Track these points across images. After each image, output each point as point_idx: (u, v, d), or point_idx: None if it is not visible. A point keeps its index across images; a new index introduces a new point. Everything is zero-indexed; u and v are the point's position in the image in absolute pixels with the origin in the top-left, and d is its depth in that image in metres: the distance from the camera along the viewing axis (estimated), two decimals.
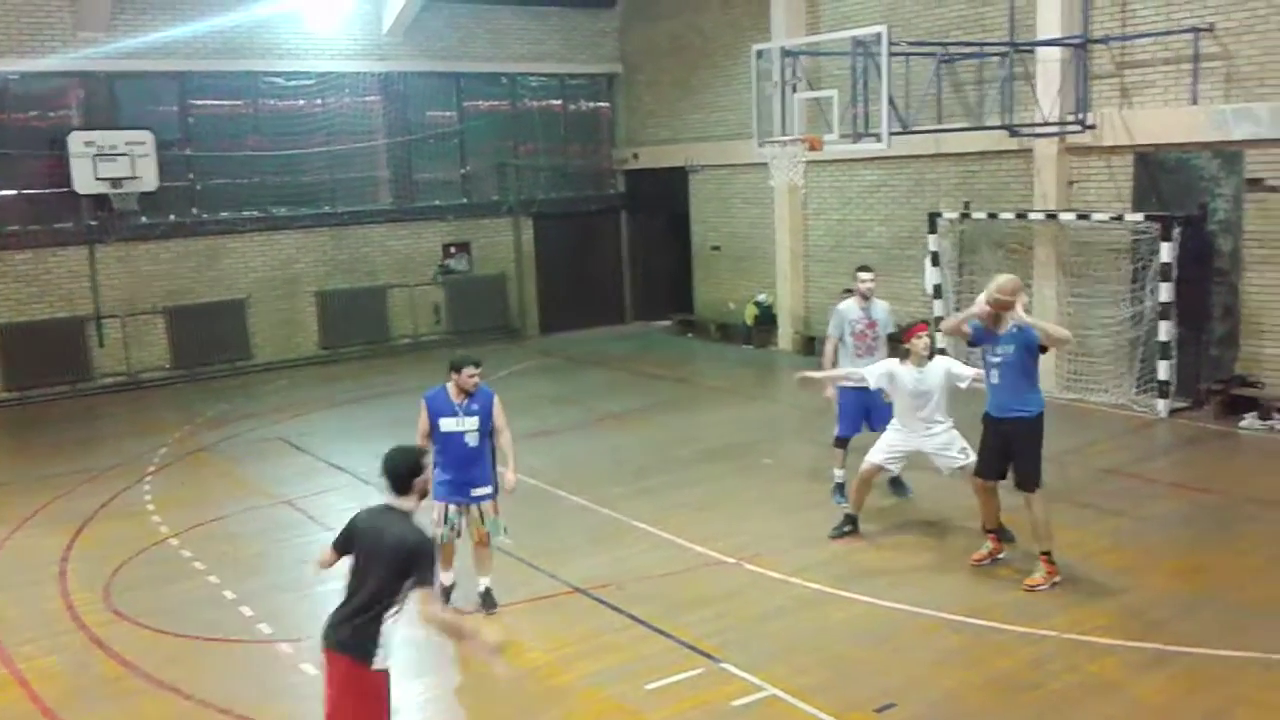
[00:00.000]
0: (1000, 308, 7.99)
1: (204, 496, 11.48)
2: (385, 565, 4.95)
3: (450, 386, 7.93)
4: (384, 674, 5.04)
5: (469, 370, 7.84)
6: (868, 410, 9.89)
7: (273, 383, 17.88)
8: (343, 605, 5.07)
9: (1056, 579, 8.03)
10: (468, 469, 7.90)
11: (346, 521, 5.37)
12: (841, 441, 10.11)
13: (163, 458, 13.18)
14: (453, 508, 7.93)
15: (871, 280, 10.41)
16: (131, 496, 11.59)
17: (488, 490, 7.99)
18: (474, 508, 7.96)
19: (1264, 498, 9.97)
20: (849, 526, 9.30)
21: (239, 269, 18.85)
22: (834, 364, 10.22)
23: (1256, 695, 6.36)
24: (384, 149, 20.25)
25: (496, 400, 8.05)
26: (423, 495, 5.33)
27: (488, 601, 8.08)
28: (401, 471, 5.20)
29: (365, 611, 4.94)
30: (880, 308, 10.40)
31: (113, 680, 7.29)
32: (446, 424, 7.84)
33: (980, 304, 8.10)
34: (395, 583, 4.91)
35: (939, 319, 15.34)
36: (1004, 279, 8.09)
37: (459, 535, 8.05)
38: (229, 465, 12.78)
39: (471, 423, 7.86)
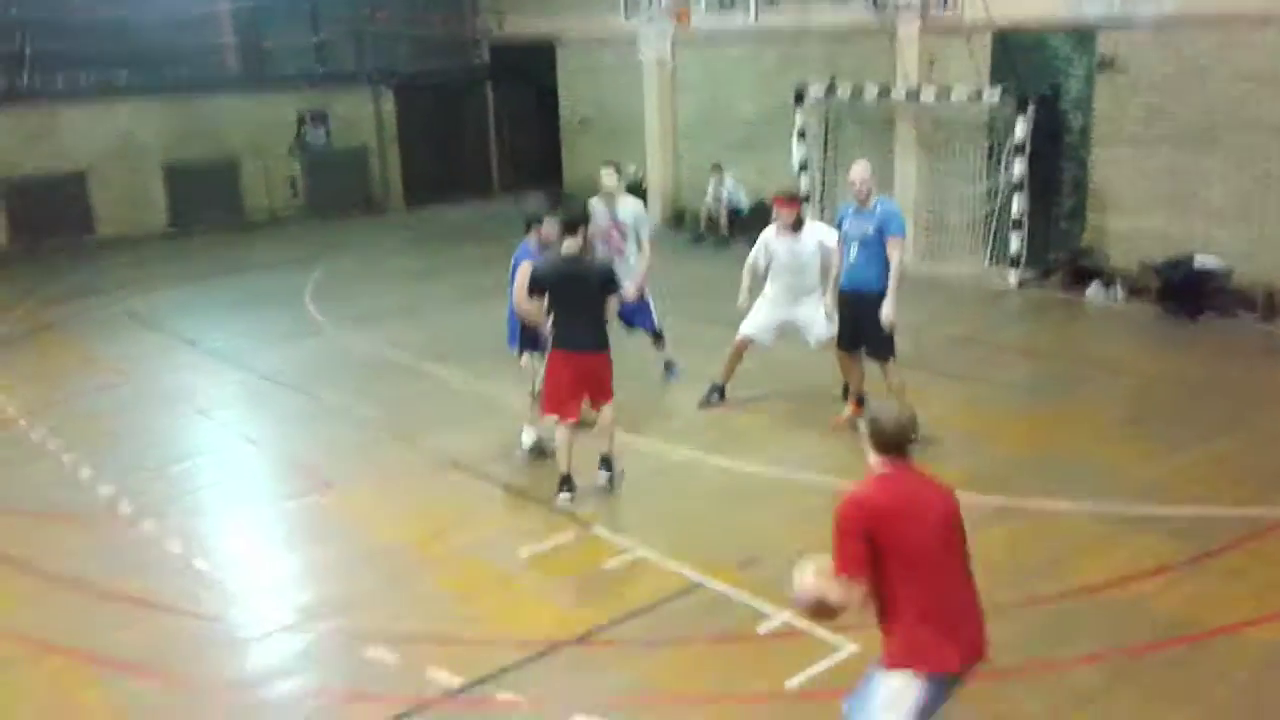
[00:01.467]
0: None
1: (52, 375, 11.01)
2: (593, 290, 7.35)
3: (532, 241, 8.03)
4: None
5: (550, 221, 7.89)
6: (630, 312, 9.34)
7: (117, 259, 17.04)
8: (577, 323, 7.34)
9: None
10: None
11: (533, 276, 7.35)
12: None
13: (3, 336, 12.52)
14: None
15: (613, 177, 9.60)
16: None
17: None
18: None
19: (1105, 363, 10.56)
20: (716, 395, 9.49)
21: (78, 140, 17.77)
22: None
23: (1093, 545, 6.81)
24: (228, 13, 19.14)
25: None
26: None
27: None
28: (575, 218, 7.53)
29: (599, 323, 7.39)
30: (627, 209, 9.61)
31: None
32: None
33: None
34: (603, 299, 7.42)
35: (805, 195, 15.55)
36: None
37: None
38: (76, 342, 12.24)
39: None
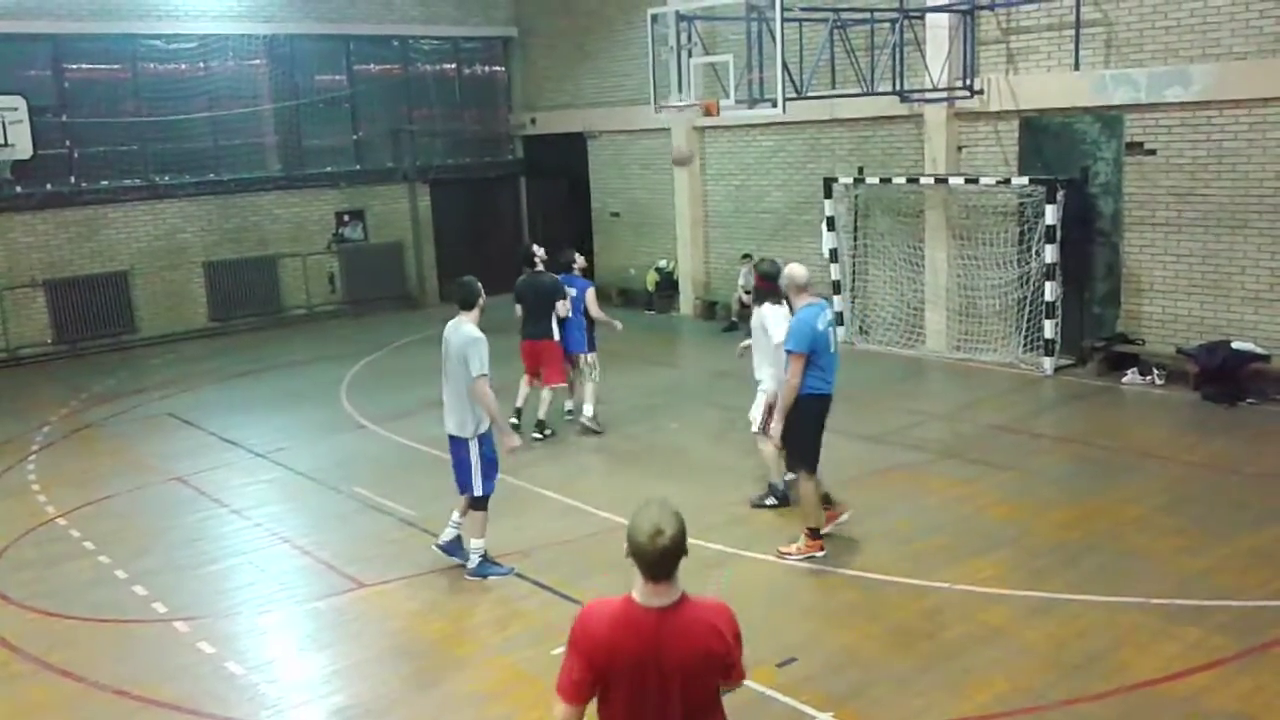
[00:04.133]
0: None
1: (92, 475, 11.12)
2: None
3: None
4: None
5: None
6: None
7: (160, 357, 17.35)
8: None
9: (818, 553, 7.98)
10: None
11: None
12: None
13: (46, 436, 12.71)
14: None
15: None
16: (15, 476, 11.16)
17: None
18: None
19: (1144, 450, 10.41)
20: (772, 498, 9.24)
21: (121, 240, 18.19)
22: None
23: (1137, 637, 6.65)
24: (271, 114, 19.69)
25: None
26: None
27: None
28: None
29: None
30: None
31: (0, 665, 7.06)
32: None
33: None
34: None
35: (835, 283, 15.64)
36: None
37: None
38: (117, 442, 12.39)
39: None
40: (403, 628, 7.36)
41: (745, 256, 17.21)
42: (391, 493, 10.00)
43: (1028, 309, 13.70)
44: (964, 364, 14.14)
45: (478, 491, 7.96)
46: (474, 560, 8.08)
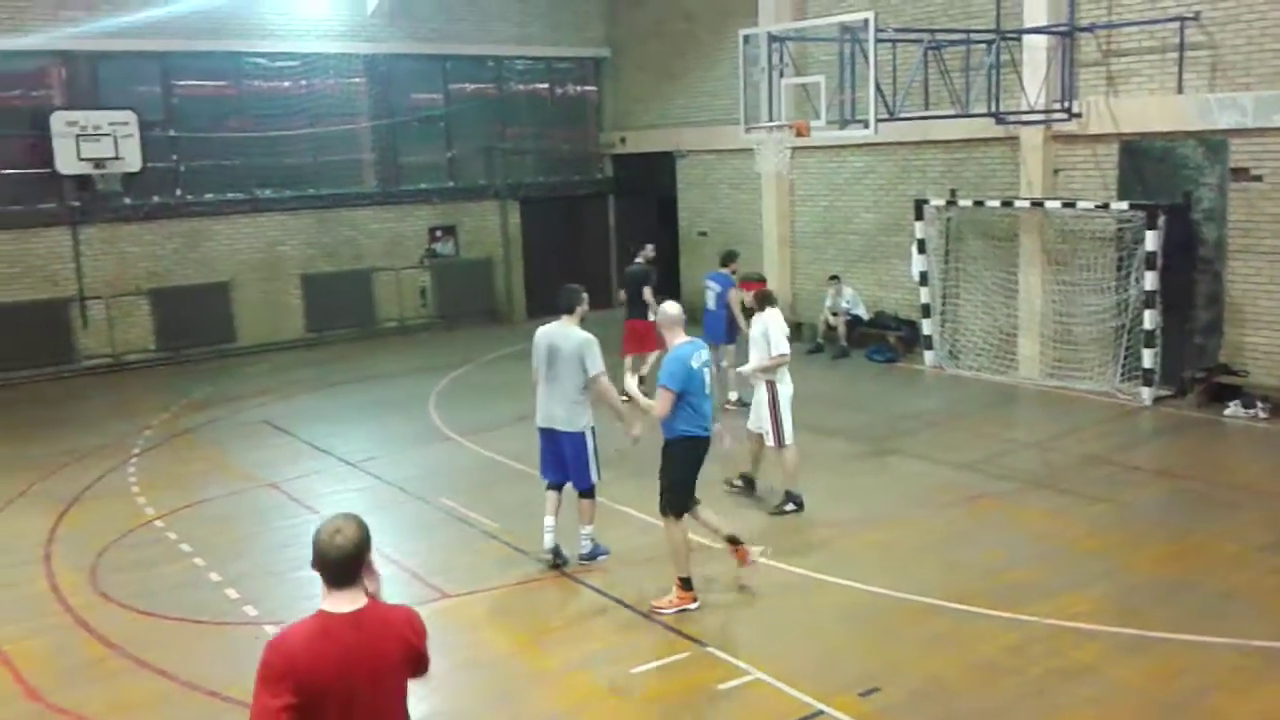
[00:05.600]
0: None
1: (189, 479, 11.46)
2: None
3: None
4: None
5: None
6: None
7: (256, 365, 17.83)
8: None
9: (690, 606, 7.59)
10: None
11: None
12: None
13: (148, 440, 13.14)
14: None
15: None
16: (116, 478, 11.55)
17: None
18: None
19: (1245, 485, 10.07)
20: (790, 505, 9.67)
21: (223, 251, 18.76)
22: None
23: (1233, 680, 6.43)
24: (369, 132, 20.16)
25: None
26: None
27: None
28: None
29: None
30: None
31: (97, 662, 7.28)
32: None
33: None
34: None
35: (925, 306, 15.45)
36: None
37: None
38: (214, 448, 12.74)
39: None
40: (483, 639, 7.43)
41: (833, 278, 17.10)
42: (476, 504, 10.12)
43: (1125, 337, 13.35)
44: (1057, 392, 13.83)
45: (594, 479, 8.43)
46: (585, 545, 8.48)
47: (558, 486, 8.55)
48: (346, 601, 3.52)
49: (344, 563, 3.49)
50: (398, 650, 3.59)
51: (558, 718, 6.38)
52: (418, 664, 3.71)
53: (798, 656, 6.89)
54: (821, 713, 6.20)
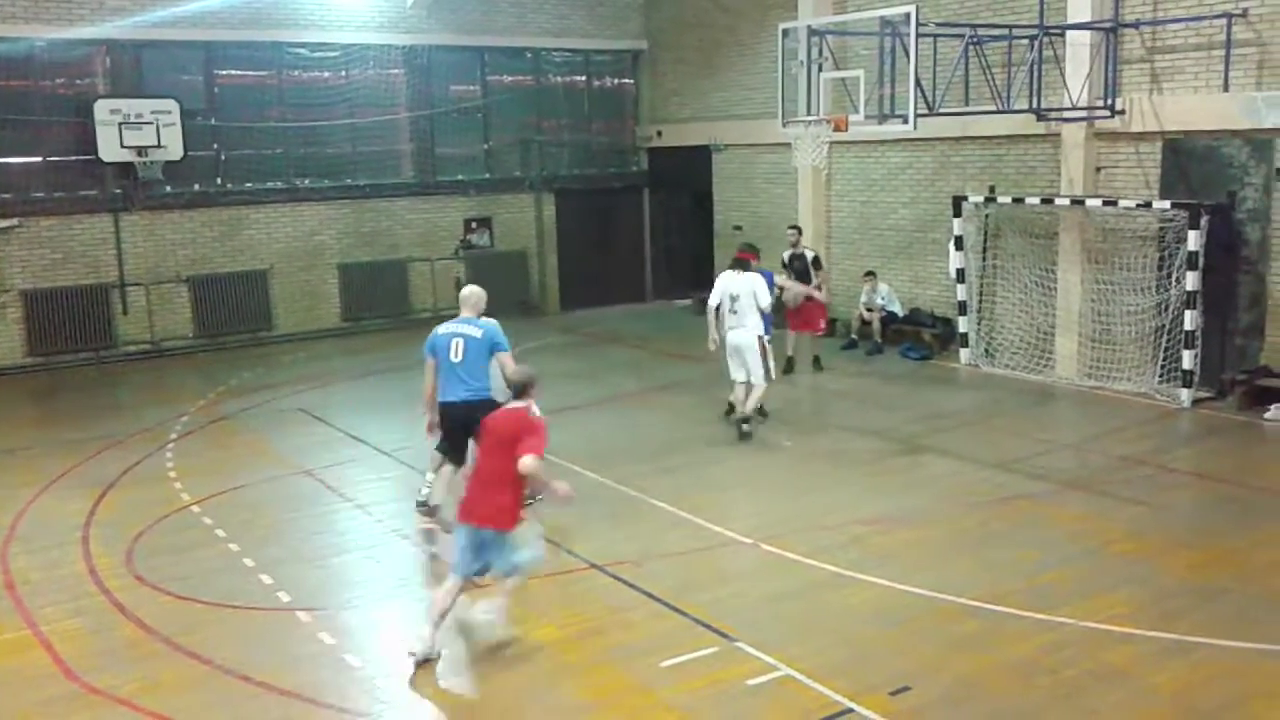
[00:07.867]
0: None
1: (225, 465, 11.57)
2: None
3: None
4: None
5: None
6: None
7: (293, 354, 17.98)
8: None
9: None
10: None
11: None
12: None
13: (185, 425, 13.29)
14: None
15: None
16: (154, 463, 11.69)
17: None
18: None
19: None
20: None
21: (262, 240, 18.92)
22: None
23: (1270, 687, 6.34)
24: (407, 123, 20.25)
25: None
26: None
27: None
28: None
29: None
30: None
31: (133, 644, 7.38)
32: None
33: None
34: None
35: (961, 303, 15.33)
36: None
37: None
38: (250, 434, 12.87)
39: None
40: (515, 631, 7.44)
41: (869, 274, 17.00)
42: None
43: (1165, 338, 13.18)
44: (1095, 392, 13.68)
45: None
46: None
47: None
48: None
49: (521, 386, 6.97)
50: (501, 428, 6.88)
51: (586, 710, 6.39)
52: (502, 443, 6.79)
53: (828, 653, 6.87)
54: (851, 710, 6.18)
